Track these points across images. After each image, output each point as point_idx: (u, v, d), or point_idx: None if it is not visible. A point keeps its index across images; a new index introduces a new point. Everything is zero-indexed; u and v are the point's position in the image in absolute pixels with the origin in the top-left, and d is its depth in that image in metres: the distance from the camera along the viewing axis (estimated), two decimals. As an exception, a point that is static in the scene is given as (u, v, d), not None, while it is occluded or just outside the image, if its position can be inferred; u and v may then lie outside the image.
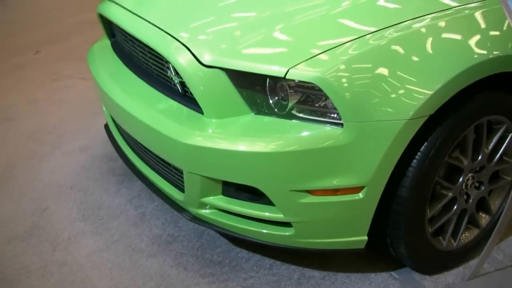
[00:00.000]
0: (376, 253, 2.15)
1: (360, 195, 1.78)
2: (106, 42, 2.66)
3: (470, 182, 2.04)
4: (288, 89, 1.75)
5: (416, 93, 1.70)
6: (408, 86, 1.70)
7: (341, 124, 1.71)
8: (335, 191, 1.79)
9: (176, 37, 1.91)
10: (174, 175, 2.06)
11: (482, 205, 2.16)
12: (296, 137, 1.73)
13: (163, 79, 2.10)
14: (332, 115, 1.73)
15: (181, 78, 1.92)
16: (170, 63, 1.92)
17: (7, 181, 2.68)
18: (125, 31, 2.26)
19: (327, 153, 1.72)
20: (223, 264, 2.15)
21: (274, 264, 2.15)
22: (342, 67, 1.68)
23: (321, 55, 1.72)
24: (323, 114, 1.74)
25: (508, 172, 2.16)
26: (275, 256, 2.19)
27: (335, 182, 1.76)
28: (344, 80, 1.68)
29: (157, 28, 2.00)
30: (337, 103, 1.68)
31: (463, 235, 2.14)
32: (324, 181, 1.76)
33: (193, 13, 2.08)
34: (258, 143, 1.74)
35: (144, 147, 2.15)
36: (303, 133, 1.73)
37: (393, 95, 1.69)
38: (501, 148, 2.06)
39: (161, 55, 1.95)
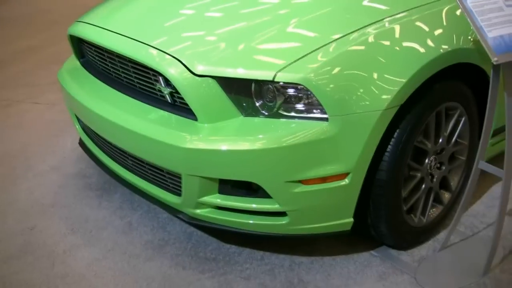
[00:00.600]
0: (355, 237, 2.38)
1: (346, 180, 2.01)
2: (74, 63, 2.77)
3: (433, 163, 2.32)
4: (275, 91, 1.96)
5: (388, 86, 1.96)
6: (380, 81, 1.96)
7: (326, 119, 1.93)
8: (324, 179, 2.01)
9: (166, 51, 2.08)
10: (168, 180, 2.22)
11: (444, 183, 2.45)
12: (287, 133, 1.93)
13: (148, 91, 2.25)
14: (317, 111, 1.95)
15: (171, 89, 2.09)
16: (161, 75, 2.08)
17: (-15, 205, 2.73)
18: (102, 50, 2.41)
19: (316, 145, 1.94)
20: (218, 260, 2.32)
21: (265, 255, 2.34)
22: (324, 67, 1.92)
23: (303, 58, 1.94)
24: (308, 111, 1.96)
25: (462, 153, 2.46)
26: (264, 248, 2.38)
27: (324, 171, 1.98)
28: (326, 78, 1.91)
29: (144, 45, 2.16)
30: (322, 99, 1.91)
31: (430, 212, 2.42)
32: (314, 171, 1.98)
33: (177, 28, 2.26)
34: (254, 141, 1.94)
35: (135, 157, 2.29)
36: (293, 129, 1.94)
37: (369, 90, 1.94)
38: (456, 131, 2.36)
39: (153, 69, 2.11)
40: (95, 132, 2.53)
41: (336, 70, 1.93)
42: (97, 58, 2.53)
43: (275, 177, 1.98)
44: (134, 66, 2.25)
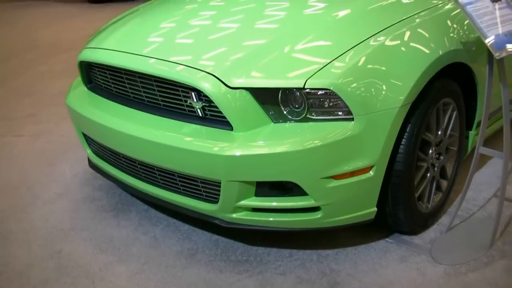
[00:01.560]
0: (369, 229, 2.65)
1: (371, 173, 2.28)
2: (81, 89, 2.91)
3: (434, 154, 2.63)
4: (304, 96, 2.21)
5: (403, 85, 2.25)
6: (396, 81, 2.24)
7: (352, 119, 2.20)
8: (352, 173, 2.26)
9: (199, 68, 2.28)
10: (202, 190, 2.40)
11: (442, 172, 2.77)
12: (318, 135, 2.17)
13: (174, 108, 2.43)
14: (342, 112, 2.21)
15: (203, 103, 2.30)
16: (194, 91, 2.28)
17: (6, 235, 2.79)
18: (121, 72, 2.57)
19: (344, 143, 2.19)
20: (250, 261, 2.52)
21: (292, 252, 2.56)
22: (348, 71, 2.18)
23: (329, 64, 2.20)
24: (333, 113, 2.22)
25: (454, 144, 2.78)
26: (289, 246, 2.60)
27: (352, 165, 2.23)
28: (351, 82, 2.17)
29: (175, 63, 2.35)
30: (348, 101, 2.17)
31: (434, 198, 2.72)
32: (344, 166, 2.22)
33: (200, 44, 2.47)
34: (289, 144, 2.16)
35: (165, 171, 2.46)
36: (322, 131, 2.19)
37: (387, 89, 2.22)
38: (450, 124, 2.69)
39: (185, 86, 2.30)
40: (114, 152, 2.68)
41: (359, 73, 2.20)
42: (112, 81, 2.69)
43: (311, 175, 2.21)
44: (160, 84, 2.43)
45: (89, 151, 2.94)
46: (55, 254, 2.62)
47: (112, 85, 2.71)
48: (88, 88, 2.89)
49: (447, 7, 2.64)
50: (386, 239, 2.64)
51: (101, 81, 2.79)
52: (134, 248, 2.64)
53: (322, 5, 2.69)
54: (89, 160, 3.02)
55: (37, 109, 4.55)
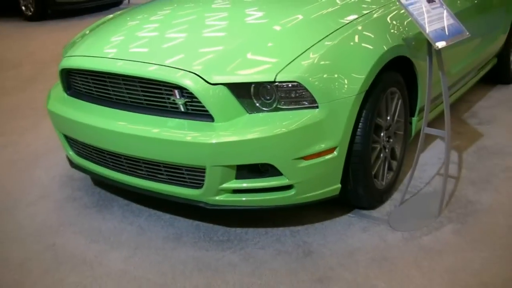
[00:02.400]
0: (331, 206, 3.05)
1: (335, 153, 2.68)
2: (61, 95, 3.19)
3: (385, 137, 3.06)
4: (275, 89, 2.59)
5: (358, 76, 2.67)
6: (352, 72, 2.66)
7: (317, 106, 2.59)
8: (319, 154, 2.65)
9: (183, 68, 2.62)
10: (187, 177, 2.73)
11: (392, 154, 3.20)
12: (288, 122, 2.55)
13: (157, 105, 2.76)
14: (307, 102, 2.60)
15: (186, 99, 2.64)
16: (177, 88, 2.62)
17: (-6, 235, 3.02)
18: (104, 77, 2.88)
19: (311, 128, 2.58)
20: (231, 240, 2.86)
21: (267, 230, 2.92)
22: (312, 65, 2.58)
23: (296, 59, 2.59)
24: (300, 103, 2.61)
25: (401, 128, 3.23)
26: (264, 225, 2.95)
27: (319, 147, 2.62)
28: (315, 75, 2.57)
29: (159, 65, 2.68)
30: (313, 91, 2.56)
31: (387, 176, 3.15)
32: (312, 148, 2.61)
33: (180, 46, 2.82)
34: (264, 130, 2.53)
35: (152, 163, 2.78)
36: (292, 118, 2.57)
37: (345, 80, 2.64)
38: (396, 111, 3.13)
39: (168, 84, 2.63)
40: (98, 150, 2.97)
41: (321, 67, 2.60)
42: (93, 85, 2.98)
43: (284, 157, 2.58)
44: (143, 85, 2.75)
45: (71, 153, 3.21)
46: (50, 247, 2.88)
47: (94, 89, 3.00)
48: (68, 94, 3.16)
49: (389, 9, 3.09)
50: (349, 214, 3.04)
51: (82, 87, 3.08)
52: (123, 236, 2.94)
53: (282, 13, 3.09)
54: (70, 161, 3.29)
55: (-3, 123, 4.74)
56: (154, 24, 3.21)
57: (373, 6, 3.16)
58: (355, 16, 2.99)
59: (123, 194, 3.34)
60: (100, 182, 3.50)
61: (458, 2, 3.85)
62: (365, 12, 3.07)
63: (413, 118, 3.36)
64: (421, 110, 3.37)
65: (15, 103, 5.25)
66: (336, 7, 3.16)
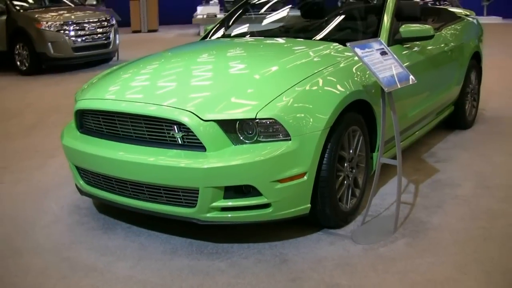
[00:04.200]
0: (305, 226, 3.68)
1: (305, 177, 3.33)
2: (74, 133, 3.84)
3: (348, 167, 3.73)
4: (255, 125, 3.26)
5: (323, 115, 3.35)
6: (318, 112, 3.35)
7: (290, 139, 3.26)
8: (292, 178, 3.30)
9: (181, 107, 3.29)
10: (183, 199, 3.35)
11: (355, 183, 3.86)
12: (267, 151, 3.22)
13: (158, 139, 3.41)
14: (282, 135, 3.27)
15: (183, 133, 3.29)
16: (176, 124, 3.28)
17: (17, 250, 3.54)
18: (114, 115, 3.54)
19: (285, 156, 3.24)
20: (219, 252, 3.46)
21: (249, 245, 3.53)
22: (286, 105, 3.27)
23: (271, 102, 3.28)
24: (276, 136, 3.27)
25: (363, 161, 3.90)
26: (247, 241, 3.56)
27: (292, 172, 3.27)
28: (288, 113, 3.25)
29: (161, 106, 3.35)
30: (287, 127, 3.24)
31: (350, 201, 3.80)
32: (286, 172, 3.26)
33: (179, 89, 3.55)
34: (246, 158, 3.19)
35: (153, 187, 3.40)
36: (269, 148, 3.23)
37: (313, 117, 3.32)
38: (358, 146, 3.81)
39: (169, 121, 3.29)
40: (107, 178, 3.59)
41: (294, 107, 3.29)
42: (103, 123, 3.63)
43: (263, 179, 3.23)
44: (147, 122, 3.41)
45: (81, 182, 3.83)
46: (65, 259, 3.46)
47: (104, 127, 3.65)
48: (81, 132, 3.81)
49: (354, 61, 3.82)
50: (319, 232, 3.67)
51: (93, 125, 3.73)
52: (127, 251, 3.53)
53: (260, 63, 3.81)
54: (79, 190, 3.91)
55: (6, 163, 5.34)
56: (158, 70, 3.95)
57: (338, 59, 3.88)
58: (324, 66, 3.71)
59: (125, 218, 3.94)
60: (104, 209, 4.10)
61: (414, 56, 4.59)
62: (332, 63, 3.79)
63: (373, 153, 4.03)
64: (387, 142, 4.04)
65: (21, 146, 5.87)
66: (308, 59, 3.90)
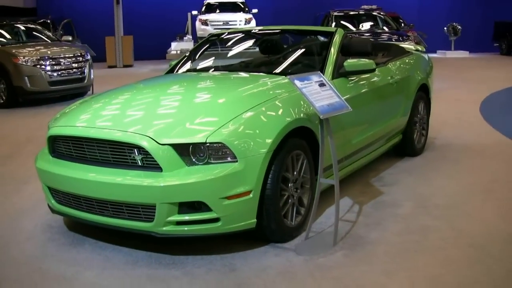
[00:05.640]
0: (252, 241, 4.18)
1: (251, 195, 3.85)
2: (46, 158, 4.34)
3: (293, 188, 4.26)
4: (206, 149, 3.79)
5: (267, 139, 3.90)
6: (262, 137, 3.89)
7: (236, 161, 3.79)
8: (239, 195, 3.82)
9: (141, 133, 3.82)
10: (142, 214, 3.85)
11: (300, 202, 4.39)
12: (216, 172, 3.75)
13: (121, 161, 3.92)
14: (229, 157, 3.80)
15: (142, 155, 3.82)
16: (137, 148, 3.80)
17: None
18: (81, 141, 4.05)
19: (233, 176, 3.77)
20: (176, 263, 3.95)
21: (203, 257, 4.02)
22: (233, 131, 3.81)
23: (220, 128, 3.82)
24: (224, 158, 3.81)
25: (307, 183, 4.43)
26: (200, 254, 4.06)
27: (238, 190, 3.80)
28: (235, 138, 3.79)
29: (124, 132, 3.88)
30: (234, 150, 3.77)
31: (296, 219, 4.32)
32: (234, 190, 3.78)
33: (141, 117, 4.07)
34: (197, 178, 3.72)
35: (116, 204, 3.90)
36: (218, 169, 3.76)
37: (257, 142, 3.86)
38: (302, 169, 4.34)
39: (130, 145, 3.81)
40: (76, 197, 4.09)
41: (241, 132, 3.83)
42: (73, 148, 4.14)
43: (213, 196, 3.75)
44: (111, 146, 3.92)
45: (52, 201, 4.32)
46: (37, 270, 3.91)
47: (73, 151, 4.16)
48: (53, 156, 4.32)
49: (295, 93, 4.39)
50: (266, 246, 4.18)
51: (64, 149, 4.24)
52: (93, 262, 4.00)
53: (218, 94, 4.39)
54: (51, 209, 4.39)
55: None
56: (120, 103, 4.45)
57: (286, 90, 4.43)
58: (272, 96, 4.27)
59: (93, 234, 4.42)
60: (74, 226, 4.58)
61: (358, 88, 5.17)
62: (280, 93, 4.35)
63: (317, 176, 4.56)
64: (326, 169, 4.59)
65: (-4, 174, 6.35)
66: (261, 89, 4.47)
